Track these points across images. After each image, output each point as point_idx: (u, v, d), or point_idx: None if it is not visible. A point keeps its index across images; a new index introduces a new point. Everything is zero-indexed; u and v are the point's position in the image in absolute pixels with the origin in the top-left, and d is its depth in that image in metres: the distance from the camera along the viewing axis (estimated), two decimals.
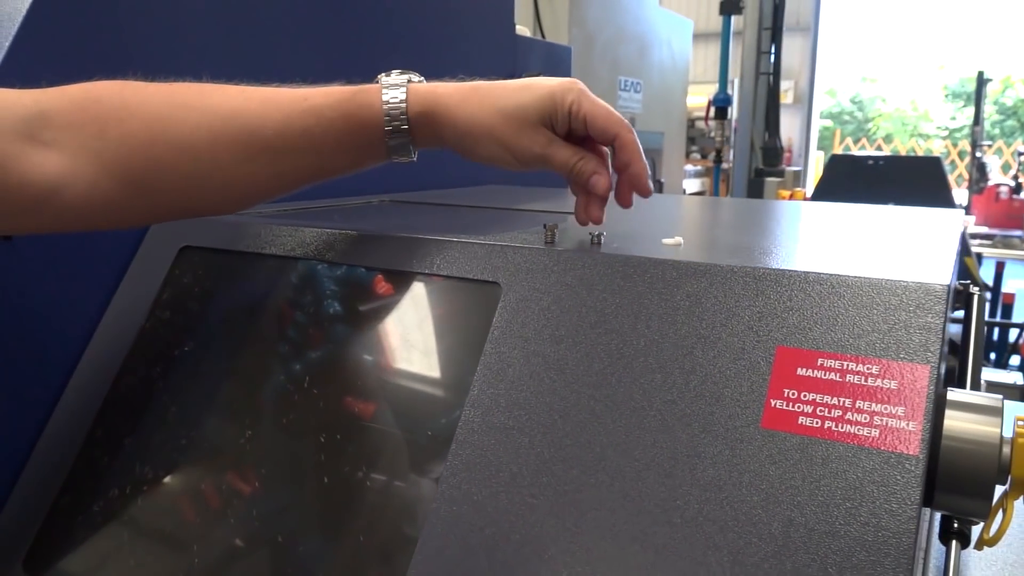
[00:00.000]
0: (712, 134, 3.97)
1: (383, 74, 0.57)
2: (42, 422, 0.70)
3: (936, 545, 0.53)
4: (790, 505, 0.43)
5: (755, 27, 4.11)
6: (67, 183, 0.50)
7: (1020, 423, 0.45)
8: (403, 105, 0.55)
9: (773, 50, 4.02)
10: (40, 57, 0.66)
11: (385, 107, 0.55)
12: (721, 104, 4.02)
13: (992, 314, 3.56)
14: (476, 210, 0.90)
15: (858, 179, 3.38)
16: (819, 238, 0.72)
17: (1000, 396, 0.47)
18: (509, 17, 1.33)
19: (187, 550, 0.63)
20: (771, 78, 3.87)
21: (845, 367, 0.46)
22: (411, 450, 0.59)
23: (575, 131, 0.57)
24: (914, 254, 0.61)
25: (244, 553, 0.61)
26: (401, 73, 0.57)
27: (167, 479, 0.66)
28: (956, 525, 0.48)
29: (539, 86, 0.56)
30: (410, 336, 0.62)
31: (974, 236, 7.03)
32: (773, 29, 4.09)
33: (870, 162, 3.60)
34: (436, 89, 0.57)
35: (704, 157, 7.12)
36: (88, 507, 0.66)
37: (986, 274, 4.04)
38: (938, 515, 0.51)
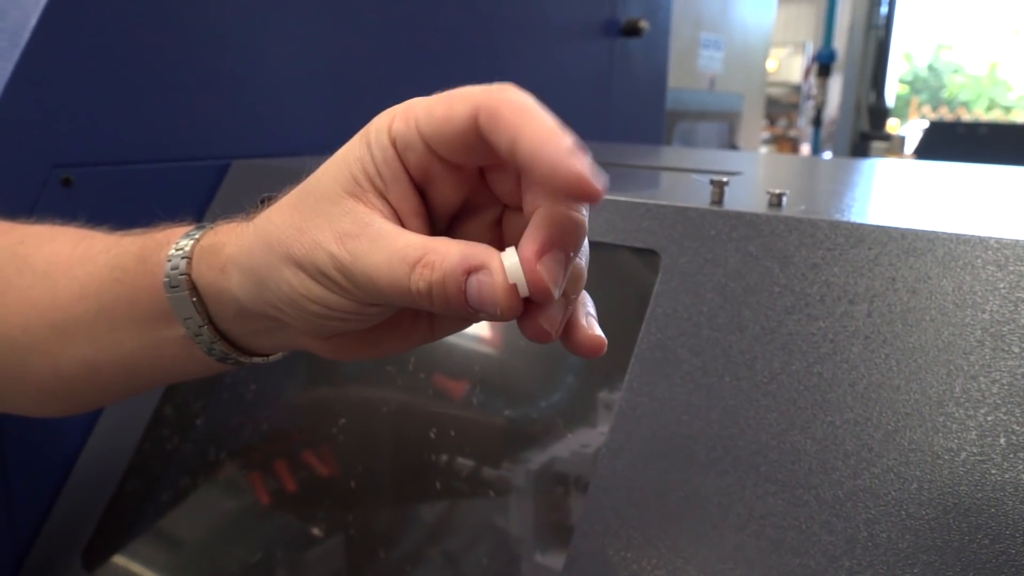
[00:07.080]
0: (814, 92, 3.70)
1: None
2: None
3: None
4: None
5: None
6: None
7: None
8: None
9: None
10: (56, 57, 0.55)
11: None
12: (826, 60, 3.69)
13: None
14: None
15: (960, 147, 3.14)
16: None
17: None
18: None
19: (264, 547, 0.54)
20: (881, 32, 3.56)
21: None
22: (536, 483, 0.48)
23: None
24: None
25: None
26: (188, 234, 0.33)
27: (243, 466, 0.57)
28: None
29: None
30: None
31: None
32: None
33: (974, 130, 3.34)
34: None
35: (772, 124, 6.77)
36: (155, 495, 0.58)
37: None
38: None
